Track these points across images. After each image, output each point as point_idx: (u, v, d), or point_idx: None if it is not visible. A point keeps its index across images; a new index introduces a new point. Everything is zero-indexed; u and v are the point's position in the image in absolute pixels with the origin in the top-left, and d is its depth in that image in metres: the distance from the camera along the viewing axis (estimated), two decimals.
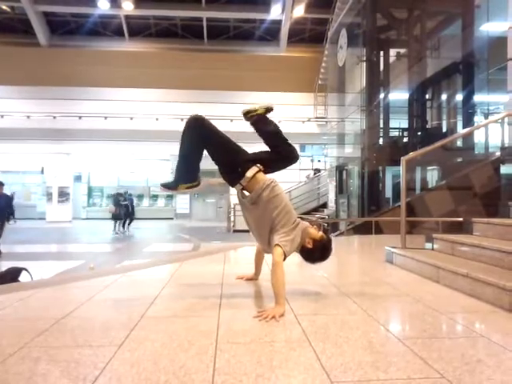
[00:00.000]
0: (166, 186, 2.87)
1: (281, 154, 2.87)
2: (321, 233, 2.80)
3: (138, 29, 19.95)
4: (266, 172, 2.77)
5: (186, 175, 2.81)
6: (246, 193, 2.76)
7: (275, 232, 2.63)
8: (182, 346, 1.87)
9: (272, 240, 2.62)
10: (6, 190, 10.08)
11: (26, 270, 4.23)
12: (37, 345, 1.90)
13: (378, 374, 1.57)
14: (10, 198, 9.64)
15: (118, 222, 14.78)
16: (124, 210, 15.09)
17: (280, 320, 2.25)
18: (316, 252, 2.75)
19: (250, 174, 2.69)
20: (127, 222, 15.36)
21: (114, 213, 14.74)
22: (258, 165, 2.74)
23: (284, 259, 2.55)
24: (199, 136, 2.73)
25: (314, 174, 17.97)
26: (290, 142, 2.90)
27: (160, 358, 1.74)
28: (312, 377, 1.56)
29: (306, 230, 2.75)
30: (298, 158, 2.93)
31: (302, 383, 1.51)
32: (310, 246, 2.72)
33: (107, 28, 19.88)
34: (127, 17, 19.28)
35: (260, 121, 2.98)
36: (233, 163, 2.76)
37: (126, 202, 15.40)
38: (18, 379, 1.55)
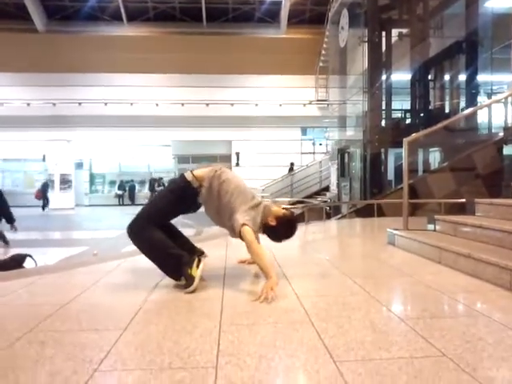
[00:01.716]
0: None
1: None
2: (283, 210, 2.80)
3: (137, 13, 19.66)
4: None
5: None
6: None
7: (234, 213, 2.62)
8: (186, 329, 1.89)
9: (234, 222, 2.58)
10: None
11: (30, 256, 4.26)
12: (43, 329, 1.93)
13: (381, 353, 1.59)
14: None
15: None
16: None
17: (282, 301, 2.27)
18: (280, 229, 2.74)
19: (189, 176, 2.75)
20: None
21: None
22: (188, 172, 2.80)
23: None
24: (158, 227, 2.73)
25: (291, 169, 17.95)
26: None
27: (164, 340, 1.76)
28: (315, 356, 1.58)
29: (267, 208, 2.75)
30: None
31: (304, 363, 1.53)
32: (273, 223, 2.72)
33: (105, 12, 19.60)
34: (125, 0, 18.98)
35: None
36: (181, 198, 2.77)
37: (160, 188, 15.56)
38: (25, 362, 1.57)
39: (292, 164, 18.34)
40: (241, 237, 2.55)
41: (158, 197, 2.89)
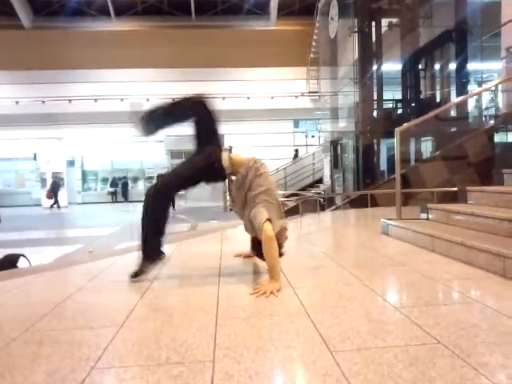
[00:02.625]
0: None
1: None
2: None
3: (124, 7, 19.44)
4: None
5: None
6: (233, 177, 2.76)
7: (255, 207, 2.60)
8: (183, 324, 1.89)
9: (256, 214, 2.55)
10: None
11: (23, 256, 4.24)
12: (39, 329, 1.92)
13: (377, 342, 1.60)
14: None
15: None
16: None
17: (278, 295, 2.28)
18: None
19: (226, 163, 2.69)
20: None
21: None
22: (223, 148, 2.76)
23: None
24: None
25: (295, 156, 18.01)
26: None
27: (161, 335, 1.77)
28: (311, 347, 1.59)
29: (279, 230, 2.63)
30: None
31: (301, 354, 1.54)
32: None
33: (92, 7, 19.37)
34: None
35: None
36: (205, 168, 2.74)
37: None
38: (22, 362, 1.57)
39: (297, 151, 18.32)
40: (259, 231, 2.48)
41: (185, 170, 2.79)
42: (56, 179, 19.24)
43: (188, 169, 2.83)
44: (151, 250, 2.72)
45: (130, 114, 2.90)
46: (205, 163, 2.75)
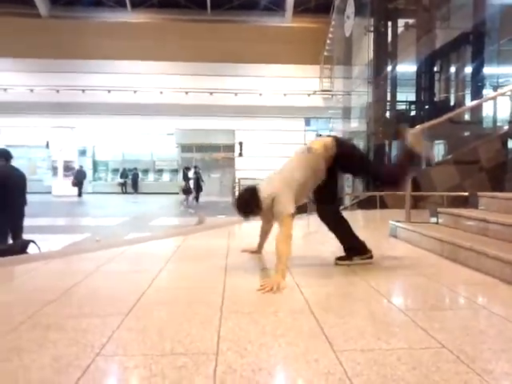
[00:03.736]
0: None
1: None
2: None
3: None
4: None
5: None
6: None
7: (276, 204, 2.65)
8: (187, 316, 1.90)
9: (284, 204, 2.61)
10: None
11: (33, 242, 4.28)
12: (46, 314, 1.95)
13: (380, 344, 1.60)
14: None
15: (191, 195, 15.24)
16: (194, 184, 15.62)
17: (283, 291, 2.28)
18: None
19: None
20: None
21: (184, 188, 15.04)
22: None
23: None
24: None
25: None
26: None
27: (165, 326, 1.78)
28: (315, 345, 1.59)
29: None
30: None
31: (305, 352, 1.54)
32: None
33: None
34: None
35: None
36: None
37: (194, 176, 15.76)
38: (30, 345, 1.60)
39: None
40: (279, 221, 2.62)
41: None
42: (81, 168, 19.44)
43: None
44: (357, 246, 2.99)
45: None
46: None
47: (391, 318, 1.92)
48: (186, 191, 15.20)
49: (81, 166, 19.66)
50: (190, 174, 15.84)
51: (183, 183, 15.31)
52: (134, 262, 3.21)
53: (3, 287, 2.60)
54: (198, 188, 16.07)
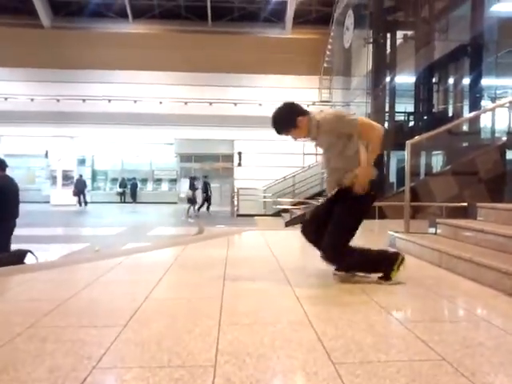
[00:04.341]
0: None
1: None
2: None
3: (142, 10, 19.69)
4: None
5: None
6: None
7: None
8: (186, 327, 1.89)
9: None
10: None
11: (31, 252, 4.27)
12: (43, 325, 1.94)
13: (379, 356, 1.59)
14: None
15: (194, 205, 15.26)
16: (203, 195, 15.64)
17: (282, 303, 2.27)
18: None
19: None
20: (205, 205, 15.85)
21: (191, 197, 15.11)
22: None
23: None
24: None
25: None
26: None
27: (164, 338, 1.77)
28: (313, 358, 1.58)
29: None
30: None
31: (303, 364, 1.53)
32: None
33: (111, 9, 19.64)
34: None
35: None
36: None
37: (203, 186, 15.79)
38: (26, 357, 1.58)
39: None
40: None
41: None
42: (80, 177, 19.36)
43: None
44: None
45: None
46: None
47: (390, 329, 1.91)
48: (192, 201, 15.22)
49: (80, 175, 19.62)
50: (197, 183, 15.88)
51: (190, 192, 15.33)
52: (132, 272, 3.19)
53: (0, 297, 2.59)
54: (208, 198, 16.00)
